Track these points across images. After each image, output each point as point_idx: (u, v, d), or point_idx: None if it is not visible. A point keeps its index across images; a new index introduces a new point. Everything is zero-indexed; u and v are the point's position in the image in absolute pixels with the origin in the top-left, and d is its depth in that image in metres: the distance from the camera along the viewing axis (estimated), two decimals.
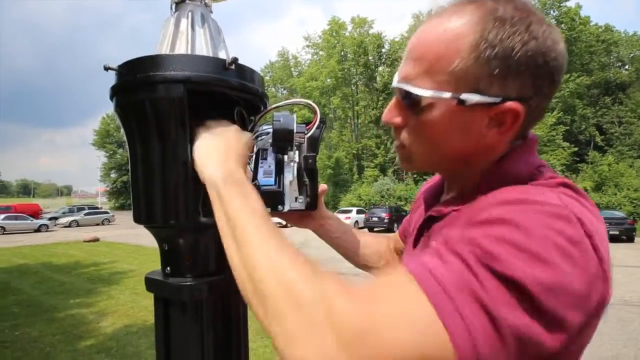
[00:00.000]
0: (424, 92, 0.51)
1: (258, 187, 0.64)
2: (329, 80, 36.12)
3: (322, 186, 0.84)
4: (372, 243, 0.96)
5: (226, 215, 0.52)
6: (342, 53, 36.73)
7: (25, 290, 7.60)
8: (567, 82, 28.05)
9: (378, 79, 38.49)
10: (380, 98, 37.15)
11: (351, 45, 36.46)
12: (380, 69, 39.05)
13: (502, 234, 0.40)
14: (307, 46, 40.89)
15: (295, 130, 0.64)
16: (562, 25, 29.18)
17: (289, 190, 0.68)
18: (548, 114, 25.85)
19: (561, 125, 27.87)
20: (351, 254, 0.94)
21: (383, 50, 39.03)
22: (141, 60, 0.59)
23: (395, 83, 0.57)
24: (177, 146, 0.58)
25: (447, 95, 0.50)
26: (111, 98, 0.63)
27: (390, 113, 0.58)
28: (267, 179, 0.66)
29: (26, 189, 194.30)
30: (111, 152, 54.24)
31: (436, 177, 0.74)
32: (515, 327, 0.37)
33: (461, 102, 0.50)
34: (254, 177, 0.66)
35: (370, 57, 37.81)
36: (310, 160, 0.72)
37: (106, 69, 0.59)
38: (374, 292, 0.42)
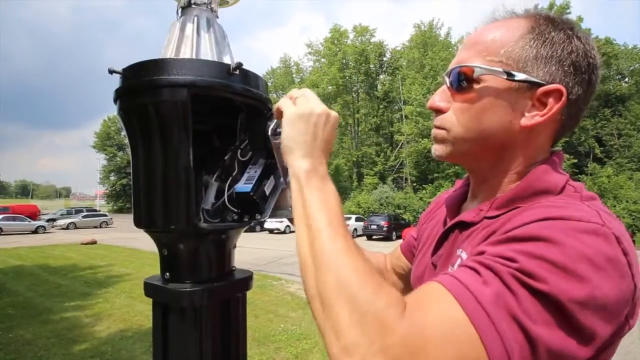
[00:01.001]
0: (477, 65, 0.56)
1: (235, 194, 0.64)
2: (330, 87, 36.27)
3: None
4: (374, 263, 0.94)
5: (304, 206, 0.53)
6: (344, 61, 36.91)
7: (21, 292, 7.54)
8: None
9: (379, 87, 38.66)
10: (381, 106, 37.28)
11: (352, 53, 36.66)
12: (381, 77, 39.24)
13: (540, 251, 0.41)
14: (309, 53, 41.12)
15: (271, 134, 0.63)
16: None
17: (271, 199, 0.67)
18: None
19: None
20: None
21: (384, 58, 39.24)
22: (145, 63, 0.59)
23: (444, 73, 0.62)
24: (180, 151, 0.58)
25: (498, 69, 0.55)
26: (115, 101, 0.63)
27: (437, 98, 0.62)
28: (246, 186, 0.65)
29: (25, 190, 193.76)
30: (111, 155, 54.19)
31: (457, 185, 0.75)
32: (550, 344, 0.39)
33: (510, 76, 0.54)
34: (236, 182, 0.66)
35: (371, 65, 38.00)
36: None
37: (111, 72, 0.59)
38: (419, 308, 0.42)
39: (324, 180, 0.56)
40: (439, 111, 0.61)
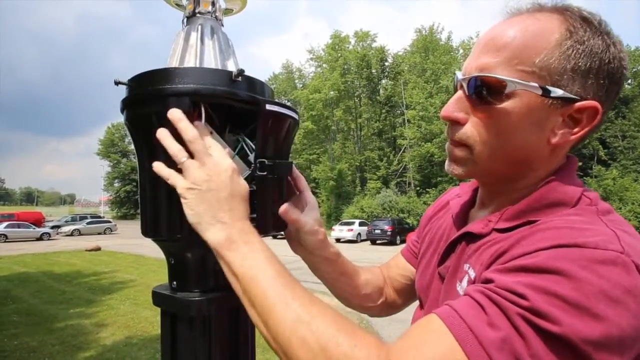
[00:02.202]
0: (509, 79, 0.49)
1: None
2: (332, 92, 36.36)
3: (285, 207, 0.67)
4: (372, 280, 0.85)
5: (238, 283, 0.50)
6: (345, 66, 37.04)
7: (26, 299, 7.56)
8: None
9: (381, 91, 38.72)
10: (383, 111, 37.31)
11: (354, 59, 36.79)
12: (383, 81, 39.30)
13: (552, 287, 0.38)
14: (311, 59, 41.29)
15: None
16: None
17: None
18: None
19: None
20: (349, 296, 0.82)
21: (386, 63, 39.34)
22: (149, 73, 0.59)
23: (462, 76, 0.54)
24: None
25: (534, 84, 0.49)
26: (122, 111, 0.63)
27: (452, 107, 0.55)
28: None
29: (29, 197, 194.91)
30: (115, 162, 54.47)
31: (463, 190, 0.71)
32: None
33: (546, 93, 0.48)
34: None
35: (373, 70, 38.09)
36: (259, 166, 0.61)
37: (117, 83, 0.59)
38: (414, 350, 0.40)
39: (246, 243, 0.51)
40: (455, 122, 0.55)
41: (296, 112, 0.68)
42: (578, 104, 0.49)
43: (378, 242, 21.32)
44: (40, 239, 22.64)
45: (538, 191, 0.53)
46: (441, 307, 0.45)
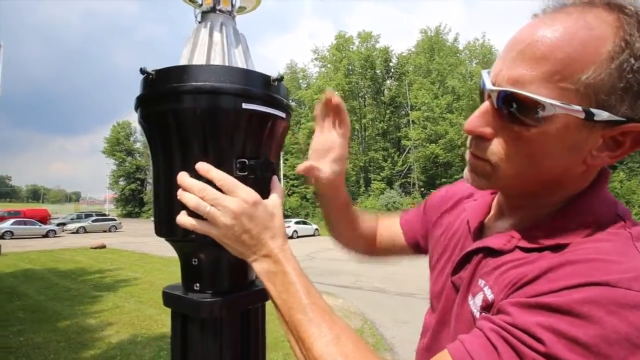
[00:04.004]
0: (548, 101, 0.42)
1: None
2: (336, 93, 36.31)
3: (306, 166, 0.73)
4: (367, 232, 0.90)
5: (280, 312, 0.54)
6: (349, 67, 37.03)
7: (31, 296, 7.61)
8: None
9: (385, 92, 38.67)
10: (388, 111, 37.25)
11: (358, 59, 36.79)
12: (387, 82, 39.25)
13: (574, 332, 0.36)
14: (315, 59, 41.29)
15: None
16: None
17: None
18: None
19: None
20: (344, 239, 0.89)
21: (390, 64, 39.28)
22: (177, 69, 0.58)
23: (492, 85, 0.47)
24: (199, 160, 0.57)
25: (577, 107, 0.42)
26: (136, 108, 0.62)
27: (478, 121, 0.49)
28: None
29: (36, 195, 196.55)
30: (120, 160, 54.80)
31: (481, 191, 0.67)
32: None
33: (589, 117, 0.42)
34: None
35: (377, 71, 38.06)
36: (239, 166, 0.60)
37: (143, 72, 0.58)
38: None
39: (284, 274, 0.54)
40: (480, 137, 0.50)
41: (285, 110, 0.65)
42: (623, 127, 0.43)
43: None
44: (46, 236, 22.78)
45: (567, 209, 0.49)
46: (454, 343, 0.43)
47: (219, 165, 0.56)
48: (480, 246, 0.55)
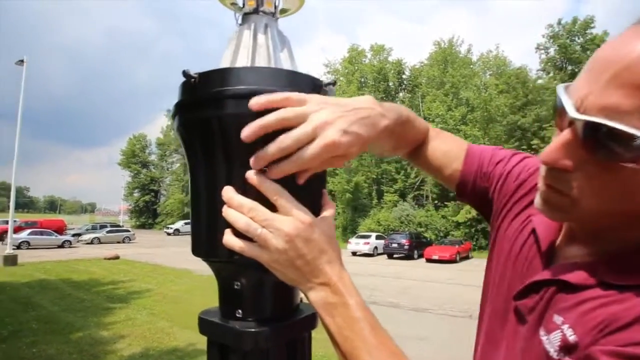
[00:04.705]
0: None
1: None
2: None
3: None
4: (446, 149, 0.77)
5: (340, 350, 0.48)
6: (362, 79, 37.24)
7: (45, 306, 7.64)
8: None
9: (399, 104, 38.68)
10: None
11: (371, 72, 37.01)
12: (400, 94, 39.30)
13: None
14: (328, 72, 41.62)
15: None
16: (588, 52, 28.83)
17: None
18: None
19: None
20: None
21: (403, 76, 39.39)
22: (223, 72, 0.53)
23: (577, 113, 0.40)
24: (247, 170, 0.50)
25: None
26: (174, 115, 0.56)
27: (557, 154, 0.42)
28: None
29: (53, 205, 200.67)
30: (135, 172, 55.71)
31: None
32: None
33: None
34: None
35: (390, 83, 38.18)
36: None
37: (186, 75, 0.53)
38: None
39: (344, 306, 0.48)
40: (562, 170, 0.43)
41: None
42: None
43: (395, 256, 20.95)
44: (61, 246, 23.14)
45: None
46: None
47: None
48: (555, 279, 0.48)
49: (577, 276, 0.46)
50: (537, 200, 0.48)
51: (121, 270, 13.01)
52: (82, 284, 10.15)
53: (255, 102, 0.47)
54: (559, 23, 30.50)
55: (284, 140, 0.46)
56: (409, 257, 20.39)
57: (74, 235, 27.23)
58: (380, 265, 17.14)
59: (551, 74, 31.00)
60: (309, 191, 0.52)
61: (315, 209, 0.53)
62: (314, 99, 0.48)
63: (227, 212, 0.49)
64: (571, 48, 29.62)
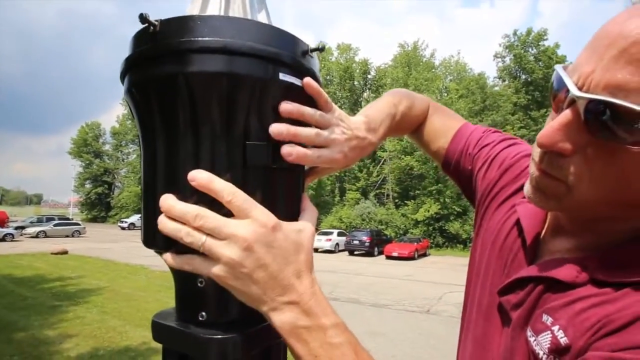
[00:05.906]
0: None
1: None
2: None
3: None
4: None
5: None
6: (328, 77, 37.35)
7: None
8: (544, 117, 29.27)
9: (363, 103, 39.20)
10: None
11: (337, 70, 37.20)
12: (365, 94, 39.86)
13: None
14: None
15: None
16: (540, 62, 30.66)
17: None
18: None
19: None
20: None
21: (369, 76, 39.96)
22: (192, 19, 0.42)
23: (580, 91, 0.38)
24: (219, 143, 0.43)
25: None
26: (124, 73, 0.46)
27: (557, 134, 0.40)
28: None
29: None
30: (87, 162, 52.61)
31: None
32: None
33: None
34: None
35: (355, 82, 38.59)
36: None
37: (144, 20, 0.42)
38: None
39: (319, 329, 0.41)
40: (559, 153, 0.41)
41: None
42: None
43: (356, 252, 21.25)
44: (2, 240, 21.44)
45: None
46: None
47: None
48: (543, 276, 0.46)
49: (566, 273, 0.43)
50: (527, 187, 0.46)
51: (70, 266, 12.25)
52: (25, 281, 9.44)
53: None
54: (515, 34, 32.17)
55: (322, 134, 0.51)
56: (369, 254, 20.75)
57: (17, 228, 25.28)
58: (341, 262, 17.33)
59: (506, 82, 32.72)
60: (283, 194, 0.47)
61: (292, 214, 0.47)
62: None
63: (164, 224, 0.41)
64: (525, 58, 31.33)
